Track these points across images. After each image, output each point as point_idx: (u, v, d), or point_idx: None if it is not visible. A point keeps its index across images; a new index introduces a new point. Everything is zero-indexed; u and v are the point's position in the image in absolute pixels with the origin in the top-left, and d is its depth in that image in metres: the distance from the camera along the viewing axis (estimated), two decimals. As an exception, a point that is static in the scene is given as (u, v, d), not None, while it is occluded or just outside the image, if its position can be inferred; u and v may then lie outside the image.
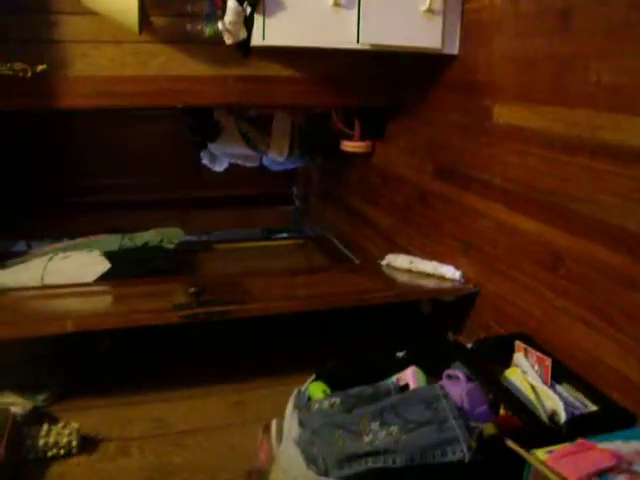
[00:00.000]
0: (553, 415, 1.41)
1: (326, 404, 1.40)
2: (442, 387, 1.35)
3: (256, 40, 1.95)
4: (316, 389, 1.51)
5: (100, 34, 2.17)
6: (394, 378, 1.54)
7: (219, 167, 3.48)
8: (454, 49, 2.07)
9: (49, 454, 1.71)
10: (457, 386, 1.47)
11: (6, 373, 2.07)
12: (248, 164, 3.48)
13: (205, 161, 3.44)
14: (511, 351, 1.67)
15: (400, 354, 1.69)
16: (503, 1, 1.82)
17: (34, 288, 2.43)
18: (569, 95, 1.56)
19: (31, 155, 3.58)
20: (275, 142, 3.30)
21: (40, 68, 1.96)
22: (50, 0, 2.10)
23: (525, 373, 1.56)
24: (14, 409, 1.75)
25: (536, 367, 1.58)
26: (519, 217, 1.78)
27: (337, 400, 1.40)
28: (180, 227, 3.23)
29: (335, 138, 2.89)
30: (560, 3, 1.58)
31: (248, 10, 1.90)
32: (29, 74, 1.94)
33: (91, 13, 2.06)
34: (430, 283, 2.14)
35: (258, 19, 1.90)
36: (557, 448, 1.13)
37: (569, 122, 1.56)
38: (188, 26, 2.17)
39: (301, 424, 1.37)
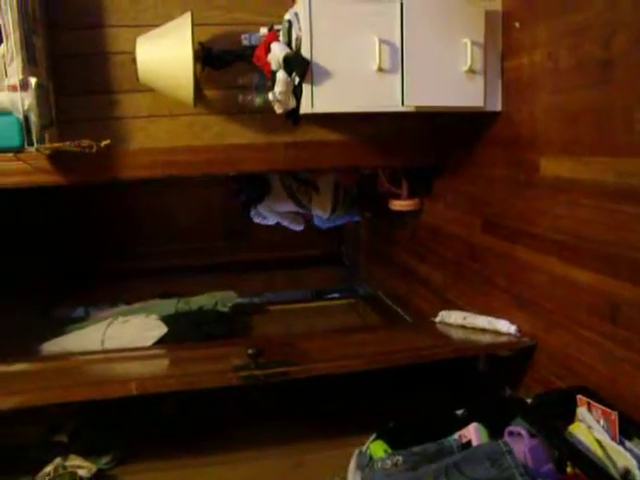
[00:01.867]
0: (626, 474, 1.36)
1: (389, 463, 1.39)
2: (506, 443, 1.33)
3: (305, 108, 2.04)
4: (377, 448, 1.51)
5: (156, 109, 2.32)
6: (456, 435, 1.52)
7: (271, 221, 3.57)
8: (497, 106, 2.12)
9: (114, 517, 1.73)
10: (520, 443, 1.43)
11: (70, 437, 2.12)
12: (293, 226, 3.57)
13: (257, 219, 3.54)
14: (573, 406, 1.62)
15: (460, 412, 1.66)
16: (542, 57, 1.87)
17: (95, 352, 2.51)
18: (615, 145, 1.58)
19: (84, 225, 3.75)
20: (318, 198, 3.39)
21: (104, 143, 2.09)
22: (111, 81, 2.27)
23: (591, 428, 1.51)
24: (80, 472, 1.79)
25: (602, 422, 1.53)
26: (573, 268, 1.77)
27: (400, 459, 1.39)
28: (233, 290, 3.30)
29: (383, 197, 2.94)
30: (600, 54, 1.61)
31: (296, 80, 2.00)
32: (94, 150, 2.06)
33: (148, 90, 2.21)
34: (485, 338, 2.12)
35: (306, 88, 1.99)
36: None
37: (618, 171, 1.57)
38: (240, 97, 2.29)
39: (364, 483, 1.37)
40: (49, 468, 1.87)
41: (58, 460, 1.91)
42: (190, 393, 1.92)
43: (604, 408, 1.52)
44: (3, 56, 1.88)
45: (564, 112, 1.79)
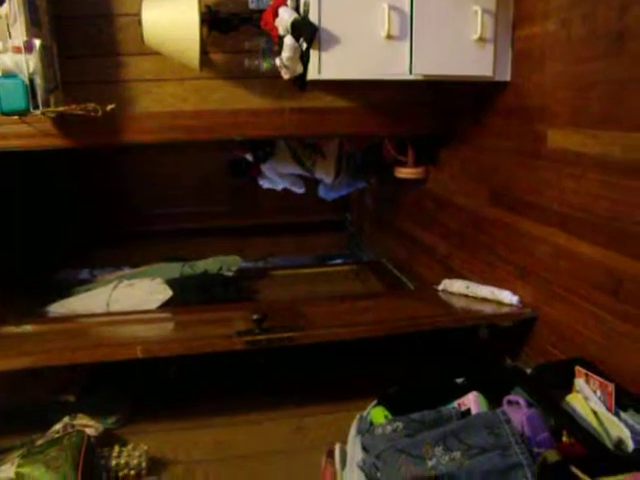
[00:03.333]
0: (619, 443, 1.39)
1: (389, 429, 1.42)
2: (504, 412, 1.36)
3: (312, 74, 2.02)
4: (378, 414, 1.54)
5: (162, 72, 2.31)
6: (455, 403, 1.55)
7: (280, 186, 3.57)
8: (506, 76, 2.10)
9: (120, 474, 1.79)
10: (518, 412, 1.46)
11: (78, 397, 2.17)
12: (295, 188, 3.57)
13: (266, 185, 3.54)
14: (572, 377, 1.65)
15: (460, 380, 1.69)
16: (555, 27, 1.84)
17: (101, 315, 2.55)
18: (626, 119, 1.56)
19: (92, 188, 3.76)
20: (322, 162, 3.38)
21: (109, 107, 2.08)
22: (117, 43, 2.25)
23: (587, 399, 1.54)
24: (88, 430, 1.83)
25: (598, 393, 1.55)
26: (577, 241, 1.77)
27: (400, 425, 1.42)
28: (237, 254, 3.32)
29: (389, 164, 2.94)
30: (614, 26, 1.59)
31: (304, 46, 1.97)
32: (100, 113, 2.05)
33: (154, 53, 2.19)
34: (487, 308, 2.14)
35: (314, 54, 1.97)
36: (625, 477, 1.12)
37: (626, 145, 1.56)
38: (246, 62, 2.27)
39: (364, 449, 1.40)
40: (58, 426, 1.92)
41: (66, 419, 1.95)
42: (193, 356, 1.95)
43: (601, 380, 1.55)
44: (6, 16, 1.86)
45: (575, 83, 1.77)
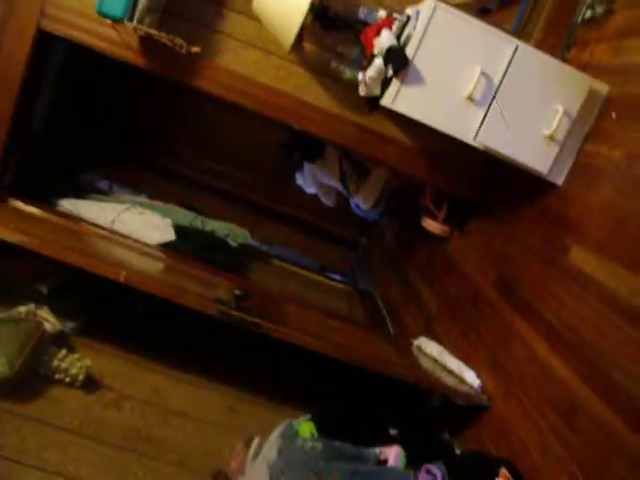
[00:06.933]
0: None
1: (309, 445, 1.47)
2: (416, 477, 1.40)
3: (386, 101, 2.07)
4: (306, 428, 1.59)
5: (255, 39, 2.37)
6: (378, 450, 1.59)
7: (311, 189, 3.62)
8: (559, 180, 2.13)
9: (56, 376, 1.85)
10: (431, 483, 1.51)
11: (49, 291, 2.24)
12: (325, 200, 3.62)
13: (299, 181, 3.59)
14: (494, 475, 1.68)
15: (393, 431, 1.74)
16: (620, 156, 1.87)
17: (103, 228, 2.61)
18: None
19: (139, 109, 3.80)
20: (365, 191, 3.42)
21: (195, 49, 2.15)
22: (229, -5, 2.32)
23: (499, 501, 1.58)
24: (46, 325, 1.90)
25: (512, 500, 1.59)
26: (554, 356, 1.81)
27: (320, 446, 1.47)
28: (249, 230, 3.37)
29: (418, 212, 2.97)
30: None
31: (390, 73, 2.03)
32: (184, 51, 2.12)
33: (256, 19, 2.26)
34: (449, 380, 2.17)
35: (395, 84, 2.02)
36: None
37: (635, 290, 1.60)
38: (333, 63, 2.33)
39: (280, 453, 1.45)
40: (23, 309, 1.99)
41: (32, 306, 2.02)
42: (168, 301, 1.99)
43: (518, 489, 1.58)
44: None
45: (615, 215, 1.80)
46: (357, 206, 3.51)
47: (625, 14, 2.13)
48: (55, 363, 1.83)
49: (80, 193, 3.01)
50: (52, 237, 2.08)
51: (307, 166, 3.46)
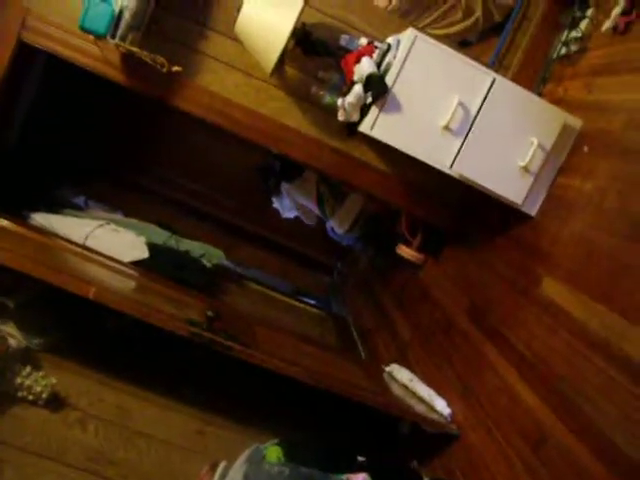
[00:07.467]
0: None
1: (276, 470, 1.44)
2: (383, 505, 1.39)
3: (364, 127, 2.10)
4: (273, 452, 1.56)
5: (236, 61, 2.40)
6: (345, 477, 1.57)
7: (288, 214, 3.63)
8: (532, 211, 2.17)
9: (19, 394, 1.80)
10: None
11: (16, 306, 2.19)
12: (305, 219, 3.63)
13: (276, 205, 3.60)
14: (462, 505, 1.68)
15: (361, 459, 1.72)
16: (591, 190, 1.91)
17: (75, 244, 2.57)
18: (617, 300, 1.62)
19: (119, 125, 3.77)
20: (341, 214, 3.44)
21: (176, 69, 2.16)
22: (210, 16, 2.34)
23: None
24: (11, 341, 1.85)
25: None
26: (523, 386, 1.82)
27: (287, 471, 1.45)
28: (225, 251, 3.35)
29: (393, 239, 2.99)
30: (640, 212, 1.66)
31: (369, 99, 2.05)
32: (165, 70, 2.13)
33: (238, 41, 2.28)
34: (419, 407, 2.16)
35: (374, 110, 2.04)
36: None
37: (605, 323, 1.62)
38: (313, 88, 2.36)
39: (246, 477, 1.42)
40: (-15, 323, 1.94)
41: (-4, 320, 1.98)
42: (138, 320, 1.96)
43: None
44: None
45: (586, 247, 1.83)
46: (332, 230, 3.52)
47: (598, 53, 2.20)
48: (18, 380, 1.78)
49: (55, 208, 2.98)
50: (21, 250, 2.04)
51: (285, 186, 3.47)
